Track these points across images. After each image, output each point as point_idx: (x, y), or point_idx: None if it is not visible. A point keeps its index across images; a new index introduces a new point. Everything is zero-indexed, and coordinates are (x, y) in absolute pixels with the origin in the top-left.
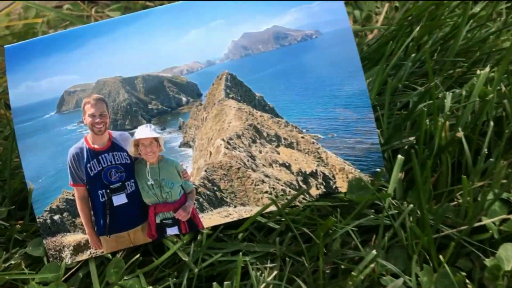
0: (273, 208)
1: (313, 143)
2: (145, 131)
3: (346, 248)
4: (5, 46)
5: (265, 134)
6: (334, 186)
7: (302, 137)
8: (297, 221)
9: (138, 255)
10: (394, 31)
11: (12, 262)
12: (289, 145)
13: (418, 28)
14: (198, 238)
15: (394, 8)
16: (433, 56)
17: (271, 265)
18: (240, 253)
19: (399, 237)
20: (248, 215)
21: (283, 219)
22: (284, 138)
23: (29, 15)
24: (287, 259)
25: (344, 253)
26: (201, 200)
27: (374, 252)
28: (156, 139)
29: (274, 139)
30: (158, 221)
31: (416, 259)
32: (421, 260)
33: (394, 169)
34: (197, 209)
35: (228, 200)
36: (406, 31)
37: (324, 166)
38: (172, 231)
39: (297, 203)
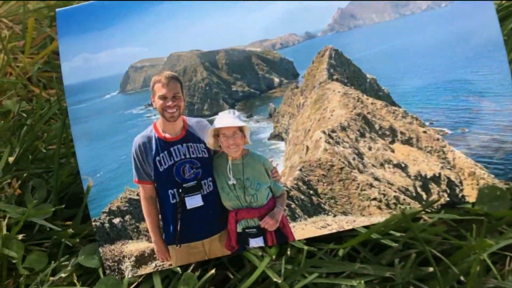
0: (379, 218)
1: (438, 139)
2: (227, 119)
3: (489, 277)
4: (56, 9)
5: (377, 126)
6: (460, 195)
7: (424, 132)
8: (418, 239)
9: (213, 271)
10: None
11: (62, 275)
12: (407, 141)
13: None
14: (288, 252)
15: None
16: None
17: None
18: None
19: None
20: (350, 227)
21: (399, 235)
22: (401, 132)
23: None
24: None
25: (486, 282)
26: (293, 206)
27: None
28: (240, 129)
29: (388, 133)
30: (239, 229)
31: None
32: None
33: None
34: (288, 217)
35: (326, 207)
36: None
37: (449, 169)
38: (256, 242)
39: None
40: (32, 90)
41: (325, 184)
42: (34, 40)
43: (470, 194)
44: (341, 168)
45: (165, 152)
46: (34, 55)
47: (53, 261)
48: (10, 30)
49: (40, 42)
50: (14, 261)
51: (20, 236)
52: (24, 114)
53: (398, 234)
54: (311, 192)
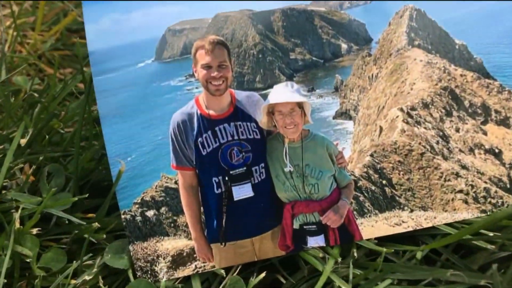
0: (465, 214)
1: None
2: (284, 93)
3: None
4: None
5: (466, 103)
6: None
7: None
8: None
9: (263, 274)
10: None
11: (86, 277)
12: (503, 122)
13: None
14: (354, 254)
15: None
16: None
17: None
18: None
19: None
20: (430, 224)
21: (492, 235)
22: (496, 111)
23: None
24: None
25: None
26: (361, 198)
27: None
28: (300, 105)
29: (480, 111)
30: (296, 226)
31: None
32: None
33: None
34: (355, 212)
35: (402, 200)
36: None
37: None
38: (315, 241)
39: None
40: (44, 69)
41: (402, 173)
42: (45, 16)
43: None
44: (422, 154)
45: (209, 132)
46: (45, 32)
47: (74, 261)
48: (19, 6)
49: (51, 18)
50: (28, 260)
51: (34, 230)
52: (36, 94)
53: (491, 234)
54: (384, 182)
